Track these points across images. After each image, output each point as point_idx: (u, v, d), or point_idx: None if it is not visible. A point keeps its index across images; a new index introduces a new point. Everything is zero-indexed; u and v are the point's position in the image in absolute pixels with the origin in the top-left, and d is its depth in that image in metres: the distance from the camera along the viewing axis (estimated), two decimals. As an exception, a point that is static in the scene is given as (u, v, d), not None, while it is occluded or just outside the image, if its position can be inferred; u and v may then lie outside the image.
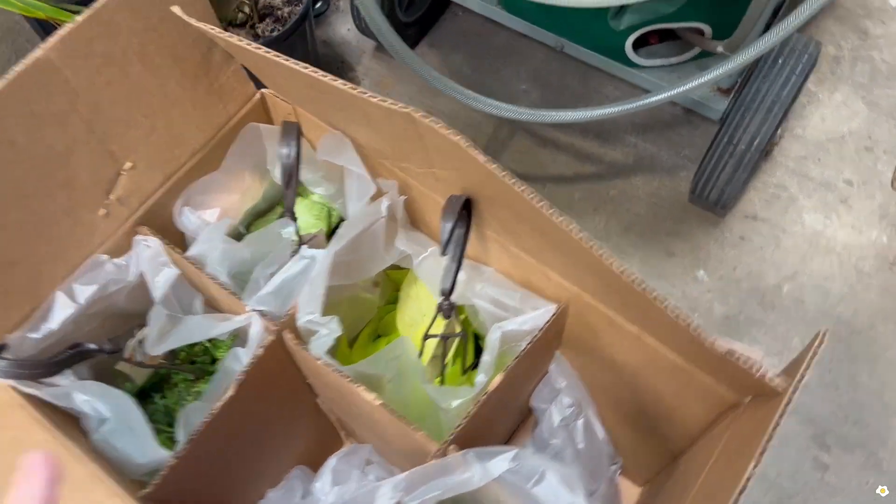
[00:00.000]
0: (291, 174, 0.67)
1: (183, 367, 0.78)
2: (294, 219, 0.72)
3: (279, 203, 0.88)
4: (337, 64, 1.42)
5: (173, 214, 0.76)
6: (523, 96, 1.36)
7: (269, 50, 0.58)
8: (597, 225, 1.23)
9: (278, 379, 0.76)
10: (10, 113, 0.58)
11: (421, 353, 0.74)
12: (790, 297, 1.15)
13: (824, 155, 1.27)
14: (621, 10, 0.98)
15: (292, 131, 0.66)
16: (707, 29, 1.08)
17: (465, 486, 0.62)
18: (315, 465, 0.94)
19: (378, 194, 0.73)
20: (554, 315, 0.70)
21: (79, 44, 0.61)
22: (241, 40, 0.60)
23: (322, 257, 0.68)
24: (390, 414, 0.67)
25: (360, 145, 0.73)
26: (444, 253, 0.64)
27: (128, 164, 0.70)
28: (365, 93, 0.58)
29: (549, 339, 0.76)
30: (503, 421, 0.87)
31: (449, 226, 0.62)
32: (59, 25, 0.63)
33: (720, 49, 1.03)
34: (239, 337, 0.75)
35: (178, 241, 0.75)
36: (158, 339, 0.70)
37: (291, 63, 0.57)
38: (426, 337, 0.72)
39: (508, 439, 0.95)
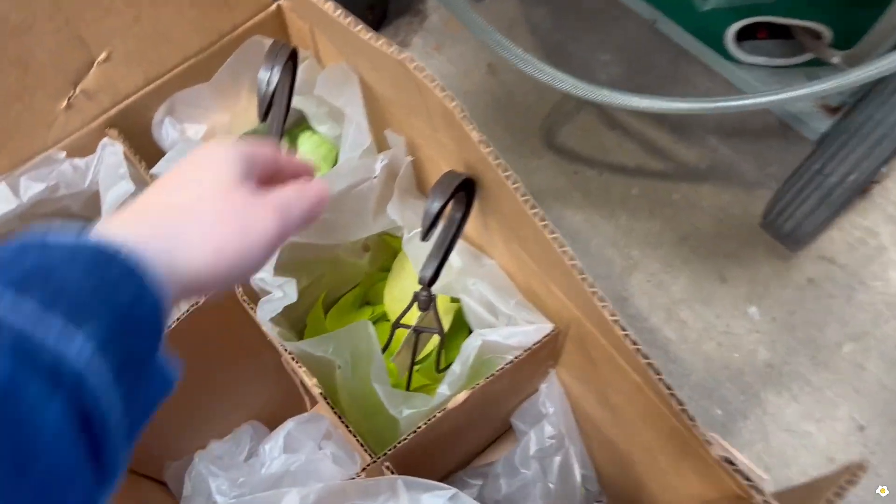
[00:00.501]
0: (271, 105, 0.56)
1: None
2: (277, 156, 0.61)
3: (290, 135, 0.78)
4: (412, -8, 1.30)
5: (153, 124, 0.67)
6: (602, 69, 1.21)
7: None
8: (650, 229, 1.09)
9: (235, 329, 0.67)
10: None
11: (387, 345, 0.63)
12: (850, 360, 1.00)
13: (932, 207, 1.09)
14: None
15: (280, 54, 0.55)
16: (826, 33, 0.91)
17: (383, 516, 0.52)
18: (271, 423, 0.85)
19: (377, 149, 0.62)
20: (547, 336, 0.58)
21: None
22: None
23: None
24: (329, 407, 0.57)
25: (370, 87, 0.61)
26: (424, 238, 0.53)
27: (102, 55, 0.60)
28: (360, 27, 0.46)
29: (541, 359, 0.65)
30: (471, 436, 0.76)
31: (435, 207, 0.51)
32: None
33: (836, 59, 0.86)
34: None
35: (153, 156, 0.66)
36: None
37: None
38: (396, 325, 0.62)
39: (485, 449, 0.85)
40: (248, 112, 0.70)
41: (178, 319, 0.58)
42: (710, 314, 1.03)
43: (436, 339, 0.63)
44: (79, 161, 0.64)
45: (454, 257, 0.62)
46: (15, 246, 0.26)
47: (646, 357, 0.43)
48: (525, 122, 1.18)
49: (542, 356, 0.63)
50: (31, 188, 0.62)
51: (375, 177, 0.59)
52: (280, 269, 0.58)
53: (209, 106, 0.68)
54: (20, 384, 0.22)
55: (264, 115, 0.57)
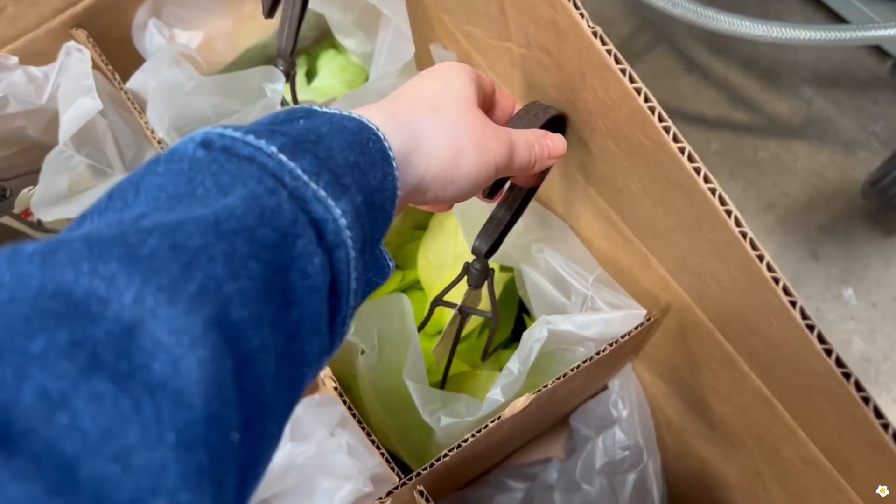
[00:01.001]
0: (276, 2, 0.41)
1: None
2: (289, 70, 0.47)
3: (309, 55, 0.63)
4: None
5: (133, 27, 0.52)
6: None
7: None
8: (729, 192, 0.92)
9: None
10: None
11: (424, 324, 0.49)
12: (962, 358, 0.84)
13: None
14: None
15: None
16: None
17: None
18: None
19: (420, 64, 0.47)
20: (639, 328, 0.44)
21: None
22: None
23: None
24: (343, 405, 0.44)
25: (415, -17, 0.46)
26: (489, 197, 0.38)
27: (62, -73, 0.46)
28: None
29: (624, 354, 0.50)
30: (518, 441, 0.62)
31: None
32: None
33: None
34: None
35: (130, 67, 0.51)
36: (53, 198, 0.47)
37: None
38: (436, 302, 0.47)
39: (528, 442, 0.71)
40: (255, 16, 0.55)
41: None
42: (798, 295, 0.88)
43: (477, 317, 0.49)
44: (35, 70, 0.49)
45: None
46: (285, 111, 0.27)
47: (844, 367, 0.28)
48: (585, 62, 1.02)
49: (626, 351, 0.48)
50: (-29, 101, 0.48)
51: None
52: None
53: (206, 7, 0.53)
54: (298, 230, 0.23)
55: (270, 12, 0.42)
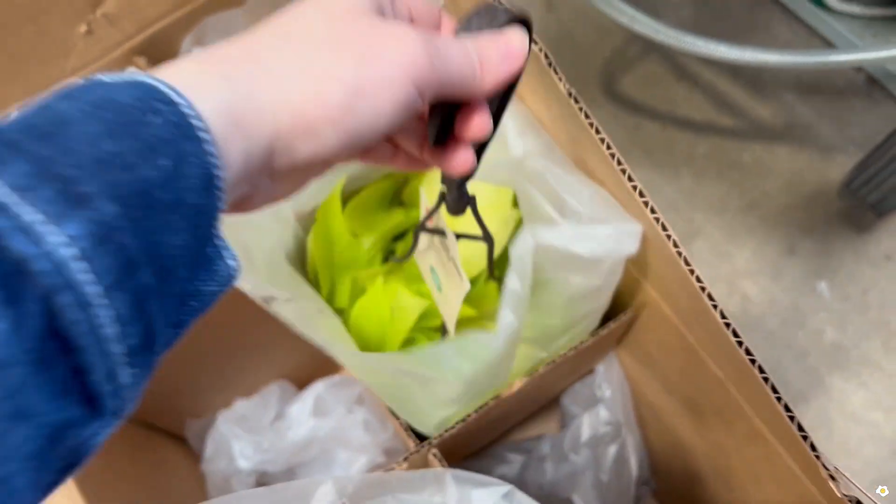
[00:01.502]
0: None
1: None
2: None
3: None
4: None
5: (180, 54, 0.60)
6: (671, 10, 1.11)
7: None
8: (714, 192, 1.00)
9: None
10: None
11: (411, 252, 0.48)
12: (925, 346, 0.91)
13: None
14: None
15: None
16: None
17: (428, 512, 0.47)
18: (300, 383, 0.80)
19: None
20: (632, 242, 0.44)
21: None
22: None
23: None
24: (360, 385, 0.51)
25: None
26: (437, 143, 0.30)
27: (124, -26, 0.53)
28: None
29: (607, 343, 0.58)
30: (516, 417, 0.70)
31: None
32: None
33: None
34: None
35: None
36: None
37: None
38: (420, 229, 0.45)
39: (525, 420, 0.79)
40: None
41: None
42: (776, 288, 0.95)
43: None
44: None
45: (507, 124, 0.47)
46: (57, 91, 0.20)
47: (749, 353, 0.36)
48: (583, 67, 1.08)
49: (610, 340, 0.56)
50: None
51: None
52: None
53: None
54: None
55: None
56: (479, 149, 0.33)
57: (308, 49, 0.24)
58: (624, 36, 1.09)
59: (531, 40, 0.30)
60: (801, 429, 0.36)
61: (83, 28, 0.54)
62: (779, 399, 0.36)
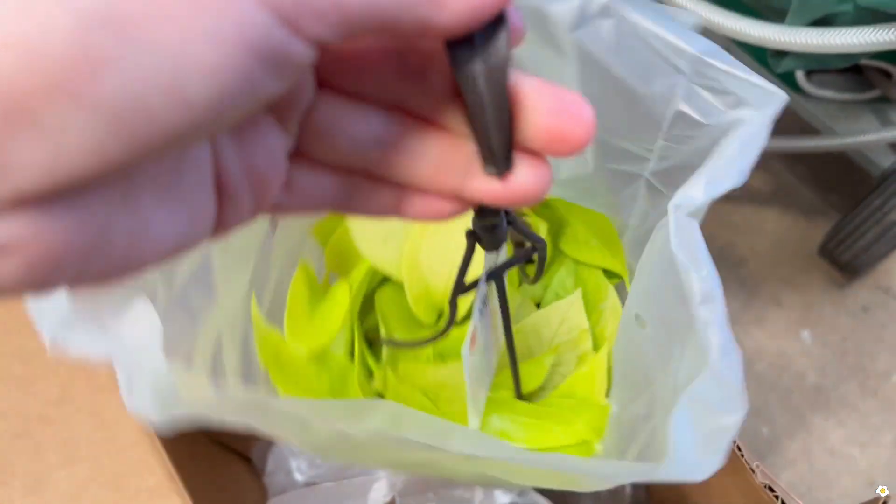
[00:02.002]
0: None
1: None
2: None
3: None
4: None
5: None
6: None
7: None
8: (709, 249, 1.13)
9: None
10: None
11: (450, 325, 0.42)
12: (897, 389, 1.03)
13: None
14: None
15: None
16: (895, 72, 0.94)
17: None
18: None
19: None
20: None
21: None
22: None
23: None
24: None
25: None
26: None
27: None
28: None
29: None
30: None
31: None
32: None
33: (905, 100, 0.89)
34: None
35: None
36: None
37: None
38: (457, 294, 0.37)
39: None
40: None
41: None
42: (763, 336, 1.08)
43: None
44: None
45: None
46: None
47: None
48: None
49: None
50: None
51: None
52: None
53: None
54: None
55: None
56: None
57: None
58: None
59: None
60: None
61: None
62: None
